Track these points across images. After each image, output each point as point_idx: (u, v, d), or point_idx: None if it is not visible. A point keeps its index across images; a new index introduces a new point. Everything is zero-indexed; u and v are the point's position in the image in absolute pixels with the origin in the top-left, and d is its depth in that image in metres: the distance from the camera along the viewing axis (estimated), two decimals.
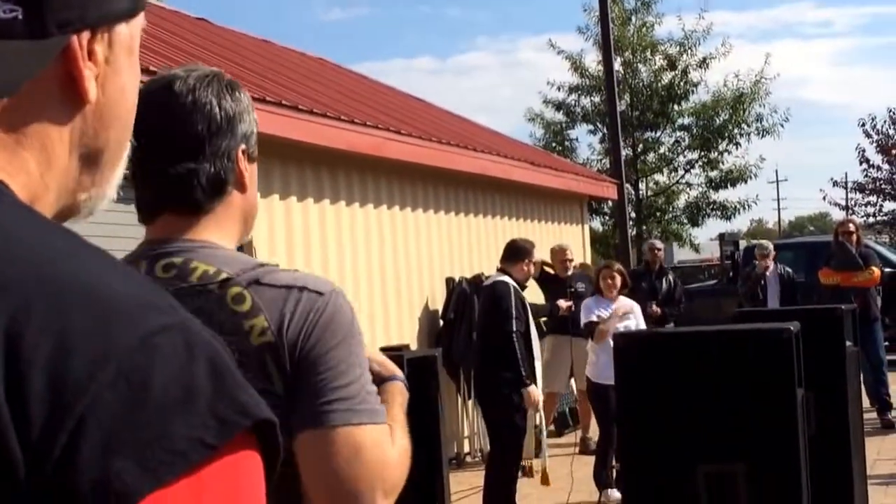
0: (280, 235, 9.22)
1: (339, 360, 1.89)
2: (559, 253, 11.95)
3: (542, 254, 12.74)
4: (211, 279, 1.92)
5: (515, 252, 8.60)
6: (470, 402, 11.54)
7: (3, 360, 0.77)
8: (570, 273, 11.80)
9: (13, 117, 0.92)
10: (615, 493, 8.80)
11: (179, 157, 1.95)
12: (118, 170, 1.04)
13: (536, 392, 8.14)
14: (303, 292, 1.91)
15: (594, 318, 9.17)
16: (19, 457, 0.76)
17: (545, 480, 8.69)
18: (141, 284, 0.87)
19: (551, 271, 11.89)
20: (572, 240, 14.70)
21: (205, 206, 1.98)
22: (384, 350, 9.34)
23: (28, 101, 0.92)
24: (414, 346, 10.61)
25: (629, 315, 9.14)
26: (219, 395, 0.81)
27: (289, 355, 1.87)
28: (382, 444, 1.92)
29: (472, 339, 11.04)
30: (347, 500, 1.87)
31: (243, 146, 2.02)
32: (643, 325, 9.39)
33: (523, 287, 8.53)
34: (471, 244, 12.68)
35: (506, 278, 8.38)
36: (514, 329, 8.07)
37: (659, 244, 13.56)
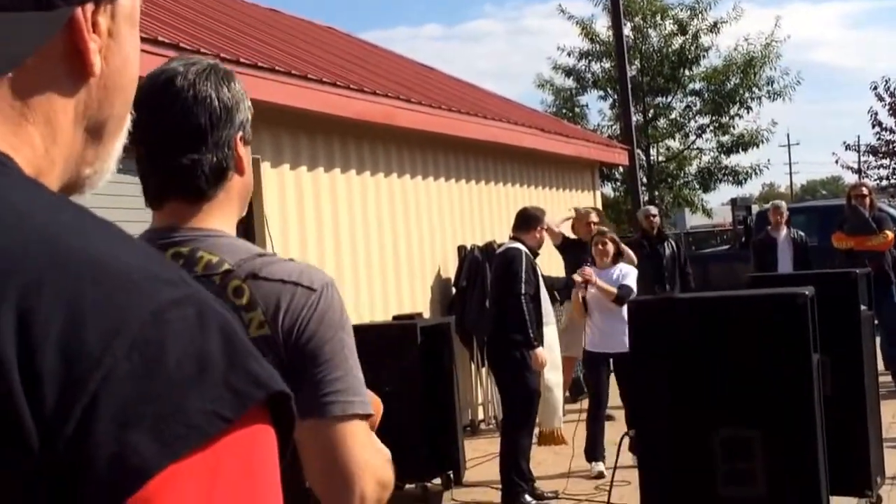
0: (291, 206, 9.20)
1: (334, 354, 2.03)
2: (584, 216, 11.88)
3: (555, 219, 12.72)
4: (214, 269, 2.06)
5: (527, 220, 8.59)
6: (483, 370, 11.55)
7: (14, 336, 0.76)
8: (593, 236, 11.74)
9: (18, 90, 0.91)
10: (598, 465, 8.88)
11: (184, 148, 2.09)
12: (119, 142, 1.03)
13: (543, 354, 8.11)
14: (297, 287, 2.05)
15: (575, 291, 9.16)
16: (33, 433, 0.75)
17: (560, 440, 8.63)
18: (151, 258, 0.86)
19: (573, 236, 11.83)
20: (584, 206, 14.65)
21: (208, 193, 2.11)
22: (397, 318, 9.36)
23: (33, 74, 0.91)
24: (427, 315, 10.62)
25: (588, 274, 9.01)
26: (233, 367, 0.81)
27: (284, 348, 2.01)
28: (373, 436, 2.08)
29: (485, 306, 11.04)
30: (346, 486, 1.99)
31: (241, 133, 2.15)
32: (627, 283, 9.13)
33: (536, 254, 8.50)
34: (482, 212, 12.66)
35: (518, 245, 8.37)
36: (524, 291, 8.08)
37: (653, 210, 13.34)
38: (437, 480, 8.71)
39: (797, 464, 5.41)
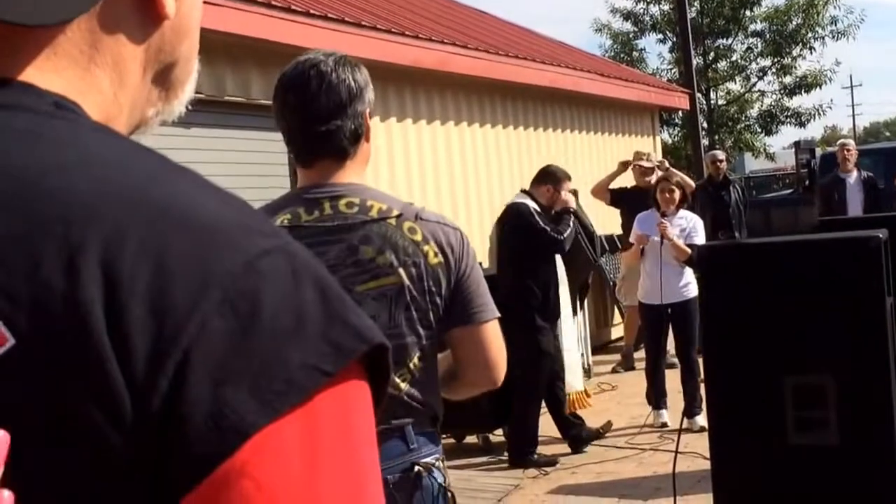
0: None
1: (480, 277, 2.76)
2: (636, 158, 11.68)
3: (614, 167, 12.56)
4: (387, 214, 2.67)
5: (543, 175, 8.35)
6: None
7: (101, 292, 0.73)
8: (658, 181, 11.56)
9: (89, 34, 0.88)
10: (662, 416, 8.74)
11: (330, 117, 2.66)
12: (188, 86, 1.00)
13: (568, 197, 8.10)
14: (448, 227, 2.74)
15: (633, 241, 8.97)
16: (125, 393, 0.72)
17: (582, 403, 8.43)
18: (240, 208, 0.82)
19: (629, 185, 11.62)
20: (641, 150, 14.44)
21: (350, 151, 2.70)
22: None
23: (104, 17, 0.88)
24: (486, 265, 10.51)
25: (666, 226, 8.73)
26: (331, 319, 0.78)
27: (454, 272, 2.69)
28: (500, 334, 2.79)
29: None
30: (495, 371, 2.74)
31: (369, 109, 2.76)
32: (698, 240, 8.85)
33: (546, 212, 8.21)
34: (540, 159, 12.48)
35: (524, 199, 8.13)
36: (556, 235, 7.88)
37: (721, 155, 13.08)
38: (499, 432, 8.64)
39: (870, 409, 5.27)
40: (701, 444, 6.61)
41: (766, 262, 5.37)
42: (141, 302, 0.73)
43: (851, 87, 77.06)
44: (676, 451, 5.65)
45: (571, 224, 8.03)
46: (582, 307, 11.59)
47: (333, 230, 2.65)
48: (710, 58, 28.93)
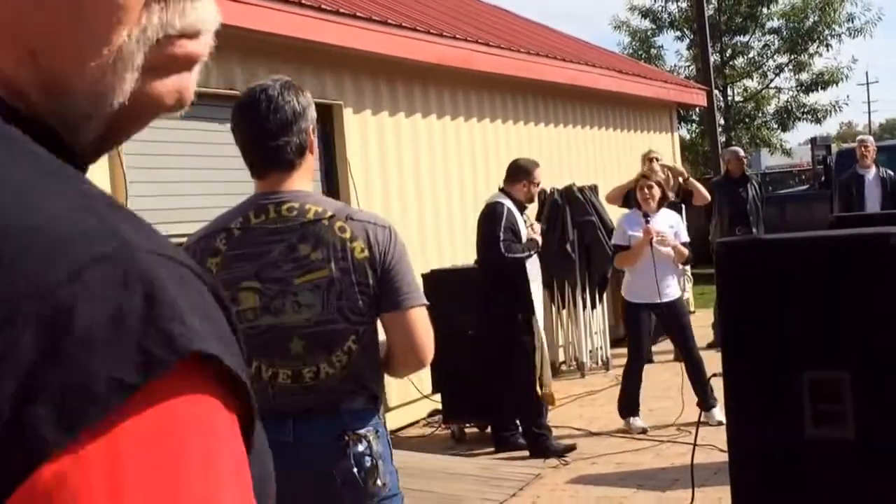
0: (373, 151, 9.26)
1: (407, 269, 3.16)
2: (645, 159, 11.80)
3: (637, 164, 12.67)
4: (322, 215, 3.10)
5: (514, 171, 8.34)
6: (564, 312, 11.58)
7: None
8: (637, 180, 11.65)
9: None
10: (637, 422, 8.62)
11: (277, 135, 3.10)
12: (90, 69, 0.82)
13: (535, 228, 8.18)
14: (377, 226, 3.14)
15: (622, 243, 8.83)
16: None
17: (549, 400, 8.31)
18: (78, 207, 0.74)
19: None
20: (662, 148, 14.54)
21: (296, 163, 3.14)
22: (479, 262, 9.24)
23: None
24: None
25: (663, 234, 8.72)
26: (149, 327, 0.69)
27: (379, 264, 3.09)
28: (427, 319, 3.18)
29: (565, 249, 11.06)
30: (420, 353, 3.14)
31: (312, 126, 3.16)
32: (685, 238, 8.95)
33: (524, 208, 8.28)
34: (560, 155, 12.62)
35: (500, 199, 8.16)
36: (505, 246, 7.95)
37: (741, 151, 13.11)
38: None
39: (887, 406, 5.37)
40: (718, 436, 6.73)
41: (783, 258, 5.48)
42: None
43: (868, 83, 76.79)
44: (695, 444, 5.76)
45: (527, 253, 8.06)
46: (601, 301, 11.74)
47: (276, 231, 3.11)
48: (728, 55, 28.93)
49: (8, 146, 0.77)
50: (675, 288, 8.83)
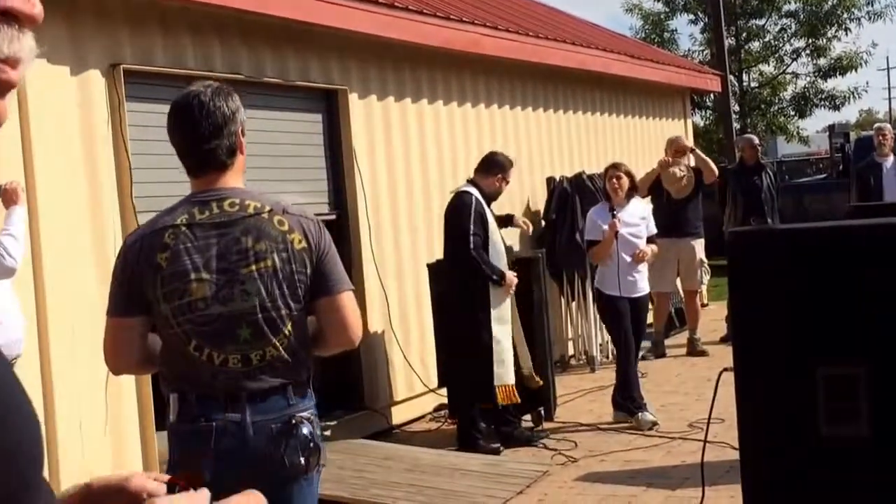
0: (379, 137, 9.09)
1: (336, 257, 3.48)
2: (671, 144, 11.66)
3: (650, 151, 12.46)
4: (261, 210, 3.39)
5: (491, 164, 8.17)
6: (573, 304, 11.39)
7: None
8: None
9: None
10: (648, 415, 8.41)
11: (210, 138, 3.37)
12: None
13: (511, 276, 7.89)
14: (308, 219, 3.45)
15: (596, 238, 8.63)
16: None
17: (512, 397, 8.03)
18: None
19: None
20: (675, 134, 14.33)
21: (228, 164, 3.42)
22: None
23: None
24: (516, 248, 10.46)
25: (636, 224, 8.64)
26: None
27: (314, 253, 3.41)
28: (355, 302, 3.52)
29: (575, 239, 10.87)
30: (352, 332, 3.48)
31: (241, 127, 3.44)
32: (654, 230, 8.82)
33: (491, 201, 8.11)
34: (571, 142, 12.42)
35: (469, 189, 8.01)
36: (475, 245, 7.80)
37: (755, 139, 12.92)
38: (527, 418, 8.61)
39: None
40: (730, 434, 6.56)
41: (797, 249, 5.31)
42: None
43: (888, 69, 76.28)
44: (705, 441, 5.59)
45: (488, 271, 7.88)
46: None
47: (221, 225, 3.33)
48: (743, 39, 28.68)
49: None
50: (645, 282, 8.74)
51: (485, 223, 7.90)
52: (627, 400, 8.50)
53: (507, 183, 8.23)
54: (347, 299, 3.47)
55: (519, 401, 8.03)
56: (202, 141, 3.36)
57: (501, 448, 7.99)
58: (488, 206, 8.05)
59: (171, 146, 3.47)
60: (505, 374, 7.94)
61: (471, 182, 8.14)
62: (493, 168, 8.12)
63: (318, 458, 3.41)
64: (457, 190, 8.20)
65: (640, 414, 8.42)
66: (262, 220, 3.36)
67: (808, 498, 5.30)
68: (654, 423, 8.31)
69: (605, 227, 8.55)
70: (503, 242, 8.13)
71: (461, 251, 7.85)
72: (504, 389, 7.94)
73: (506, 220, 8.54)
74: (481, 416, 8.06)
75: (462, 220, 7.87)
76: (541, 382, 8.25)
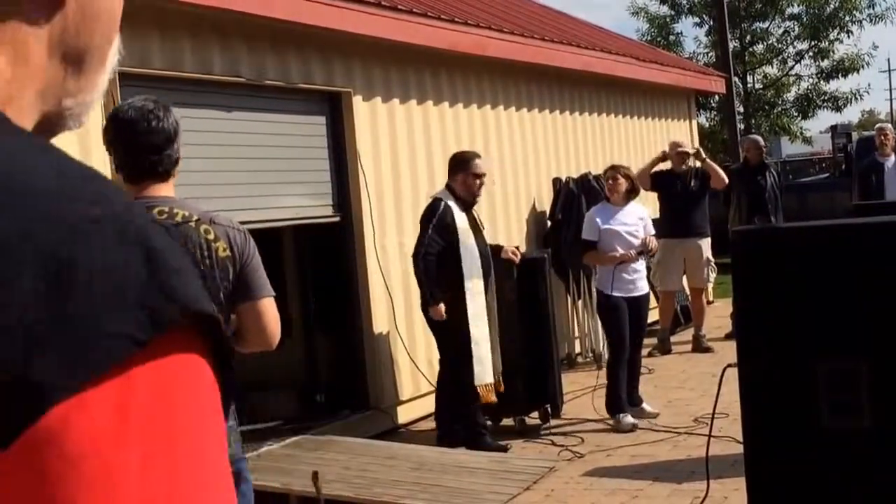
0: (384, 139, 9.15)
1: (259, 265, 3.75)
2: (673, 146, 11.72)
3: (655, 153, 12.52)
4: (188, 219, 3.63)
5: (452, 164, 8.17)
6: (580, 303, 11.47)
7: None
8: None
9: None
10: (628, 418, 8.38)
11: (157, 150, 3.64)
12: (104, 76, 0.97)
13: (439, 310, 7.85)
14: (234, 229, 3.72)
15: (592, 238, 8.65)
16: None
17: (488, 397, 8.00)
18: (71, 175, 0.80)
19: (664, 168, 11.64)
20: (680, 136, 14.39)
21: (168, 176, 3.69)
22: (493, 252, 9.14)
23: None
24: (523, 249, 10.54)
25: (638, 230, 8.68)
26: (151, 287, 0.75)
27: (238, 262, 3.68)
28: (275, 307, 3.77)
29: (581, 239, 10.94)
30: (270, 335, 3.72)
31: (180, 142, 3.71)
32: (652, 232, 8.85)
33: (470, 203, 8.08)
34: (577, 143, 12.49)
35: (440, 195, 8.04)
36: (420, 254, 7.86)
37: (760, 140, 12.99)
38: (535, 414, 8.68)
39: None
40: (735, 428, 6.62)
41: (800, 247, 5.37)
42: None
43: (889, 70, 76.27)
44: (709, 435, 5.66)
45: (423, 292, 7.98)
46: None
47: None
48: (747, 41, 28.71)
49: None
50: (644, 282, 8.76)
51: (450, 231, 7.88)
52: (614, 399, 8.48)
53: (479, 178, 8.10)
54: (268, 304, 3.72)
55: (496, 400, 8.03)
56: (150, 152, 3.63)
57: (509, 445, 8.04)
58: (469, 208, 8.05)
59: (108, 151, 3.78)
60: (483, 374, 7.97)
61: (447, 186, 8.16)
62: (456, 167, 8.12)
63: (231, 444, 3.49)
64: (433, 195, 8.25)
65: (619, 416, 8.40)
66: (189, 229, 3.62)
67: (812, 489, 5.36)
68: (634, 426, 8.29)
69: (606, 227, 8.60)
70: (482, 245, 8.09)
71: (414, 254, 7.98)
72: (483, 389, 7.98)
73: (495, 251, 8.48)
74: (460, 417, 8.08)
75: (421, 226, 7.97)
76: (494, 399, 8.10)
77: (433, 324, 8.09)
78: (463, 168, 8.07)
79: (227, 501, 0.78)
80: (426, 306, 7.99)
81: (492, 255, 8.22)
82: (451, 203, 7.95)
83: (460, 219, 7.94)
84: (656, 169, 11.54)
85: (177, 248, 0.80)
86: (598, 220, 8.71)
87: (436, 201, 8.02)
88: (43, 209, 0.75)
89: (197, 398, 0.77)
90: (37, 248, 0.73)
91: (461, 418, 8.05)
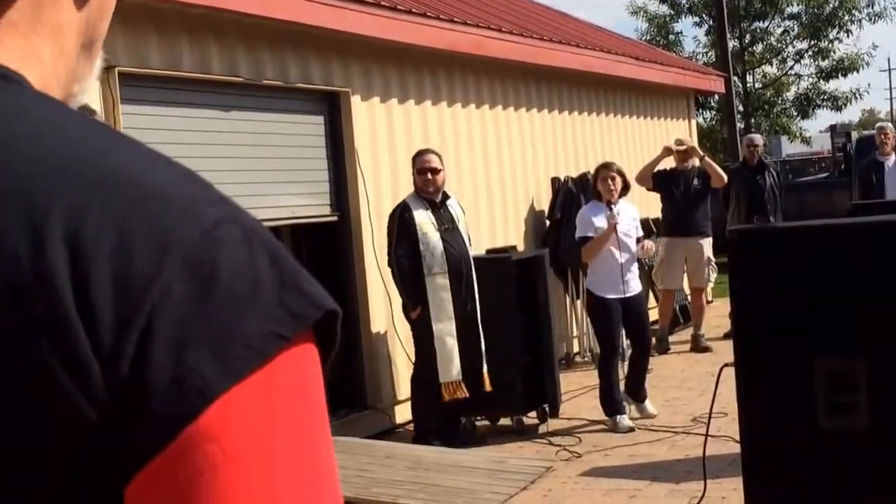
0: (382, 139, 9.15)
1: None
2: (677, 143, 11.75)
3: (654, 152, 12.52)
4: None
5: (413, 163, 8.30)
6: (578, 303, 11.46)
7: (66, 261, 0.74)
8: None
9: (30, 5, 0.89)
10: (625, 420, 8.35)
11: None
12: (99, 61, 1.01)
13: (415, 313, 7.98)
14: None
15: (590, 234, 8.52)
16: (93, 359, 0.73)
17: (458, 392, 8.03)
18: (190, 178, 0.83)
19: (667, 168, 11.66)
20: (679, 135, 14.39)
21: None
22: (491, 252, 9.31)
23: None
24: (521, 248, 10.53)
25: (630, 224, 8.67)
26: (284, 285, 0.79)
27: None
28: None
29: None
30: None
31: None
32: (641, 232, 8.84)
33: (432, 200, 8.13)
34: (576, 142, 12.48)
35: (407, 200, 8.14)
36: (392, 260, 7.99)
37: (757, 139, 12.98)
38: (532, 414, 8.67)
39: None
40: (732, 427, 6.61)
41: (798, 246, 5.36)
42: (105, 270, 0.74)
43: (889, 70, 76.26)
44: (706, 434, 5.66)
45: (403, 299, 8.11)
46: None
47: None
48: (747, 41, 28.71)
49: (69, 111, 0.86)
50: (637, 282, 8.70)
51: (412, 227, 7.97)
52: (608, 401, 8.45)
53: (431, 171, 8.16)
54: None
55: (467, 395, 8.04)
56: None
57: (487, 440, 8.17)
58: (436, 204, 8.12)
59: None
60: (448, 370, 7.99)
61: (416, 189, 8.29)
62: (413, 164, 8.28)
63: None
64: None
65: (616, 417, 8.36)
66: None
67: (809, 489, 5.35)
68: (632, 429, 8.27)
69: (599, 223, 8.54)
70: (456, 242, 8.14)
71: (389, 262, 8.12)
72: (448, 386, 7.99)
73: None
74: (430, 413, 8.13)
75: (388, 234, 8.12)
76: (461, 397, 8.10)
77: (410, 324, 8.21)
78: (413, 164, 8.23)
79: (337, 483, 0.82)
80: (406, 310, 8.11)
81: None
82: (413, 202, 8.06)
83: (420, 216, 8.00)
84: (658, 168, 11.55)
85: (281, 246, 0.83)
86: (591, 217, 8.64)
87: (396, 208, 8.14)
88: (178, 212, 0.78)
89: (321, 388, 0.82)
90: (179, 249, 0.76)
91: (434, 415, 8.10)
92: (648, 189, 11.53)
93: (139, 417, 0.74)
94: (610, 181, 8.66)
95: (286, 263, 0.80)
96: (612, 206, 8.58)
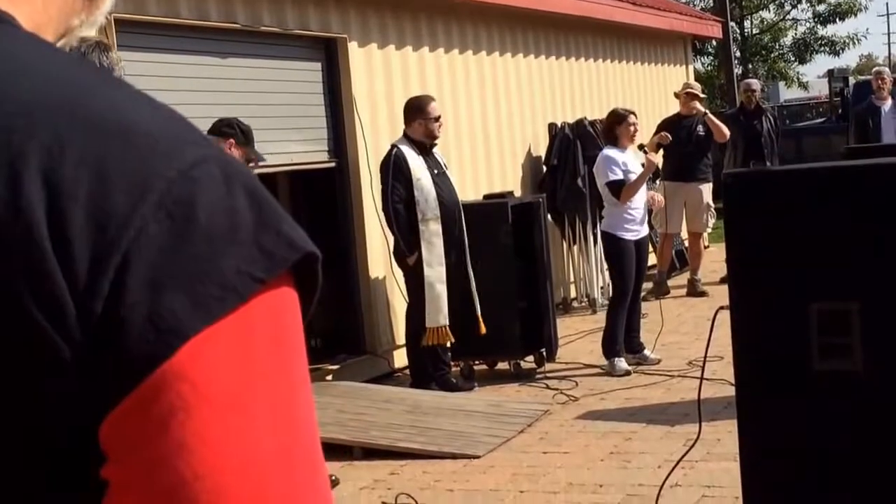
0: (380, 86, 9.15)
1: None
2: (685, 87, 11.77)
3: (651, 98, 12.52)
4: None
5: (407, 111, 8.25)
6: (575, 248, 11.51)
7: (42, 198, 0.74)
8: (693, 114, 11.52)
9: None
10: (622, 363, 8.44)
11: None
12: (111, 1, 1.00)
13: (412, 259, 8.00)
14: None
15: (621, 177, 8.48)
16: (68, 296, 0.73)
17: (445, 337, 8.11)
18: (172, 119, 0.82)
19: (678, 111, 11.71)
20: (676, 81, 14.38)
21: None
22: (488, 197, 9.35)
23: None
24: (518, 193, 10.56)
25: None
26: (263, 226, 0.78)
27: None
28: None
29: (576, 184, 10.98)
30: None
31: None
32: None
33: (429, 146, 8.17)
34: (573, 89, 12.47)
35: (399, 144, 8.11)
36: (388, 204, 7.99)
37: (755, 84, 13.00)
38: (530, 358, 8.75)
39: (894, 336, 5.29)
40: (728, 371, 6.67)
41: (791, 189, 5.39)
42: (82, 208, 0.74)
43: (888, 14, 75.83)
44: (701, 378, 5.71)
45: (399, 244, 8.11)
46: None
47: None
48: None
49: (58, 52, 0.86)
50: (645, 225, 8.83)
51: (406, 173, 7.96)
52: (610, 343, 8.52)
53: (435, 120, 8.18)
54: None
55: (452, 340, 8.12)
56: None
57: (475, 385, 8.26)
58: (427, 150, 8.14)
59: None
60: (435, 315, 8.05)
61: (404, 134, 8.24)
62: (410, 114, 8.22)
63: None
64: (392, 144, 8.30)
65: (614, 360, 8.45)
66: None
67: (803, 432, 5.42)
68: (628, 372, 8.36)
69: (626, 167, 8.55)
70: (446, 189, 8.18)
71: (384, 208, 8.12)
72: (434, 331, 8.06)
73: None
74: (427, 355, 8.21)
75: (382, 178, 8.10)
76: (447, 342, 8.20)
77: (402, 269, 8.22)
78: (419, 113, 8.16)
79: (314, 427, 0.82)
80: (399, 254, 8.13)
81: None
82: (406, 148, 8.05)
83: (415, 163, 8.01)
84: (664, 117, 11.64)
85: (263, 188, 0.82)
86: (617, 160, 8.57)
87: (390, 151, 8.10)
88: (157, 151, 0.77)
89: (300, 332, 0.81)
90: (156, 188, 0.75)
91: (427, 359, 8.19)
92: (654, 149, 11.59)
93: (113, 356, 0.73)
94: (632, 127, 8.70)
95: (266, 205, 0.79)
96: (645, 149, 8.79)
